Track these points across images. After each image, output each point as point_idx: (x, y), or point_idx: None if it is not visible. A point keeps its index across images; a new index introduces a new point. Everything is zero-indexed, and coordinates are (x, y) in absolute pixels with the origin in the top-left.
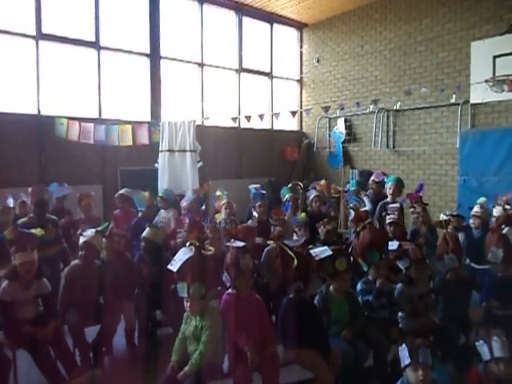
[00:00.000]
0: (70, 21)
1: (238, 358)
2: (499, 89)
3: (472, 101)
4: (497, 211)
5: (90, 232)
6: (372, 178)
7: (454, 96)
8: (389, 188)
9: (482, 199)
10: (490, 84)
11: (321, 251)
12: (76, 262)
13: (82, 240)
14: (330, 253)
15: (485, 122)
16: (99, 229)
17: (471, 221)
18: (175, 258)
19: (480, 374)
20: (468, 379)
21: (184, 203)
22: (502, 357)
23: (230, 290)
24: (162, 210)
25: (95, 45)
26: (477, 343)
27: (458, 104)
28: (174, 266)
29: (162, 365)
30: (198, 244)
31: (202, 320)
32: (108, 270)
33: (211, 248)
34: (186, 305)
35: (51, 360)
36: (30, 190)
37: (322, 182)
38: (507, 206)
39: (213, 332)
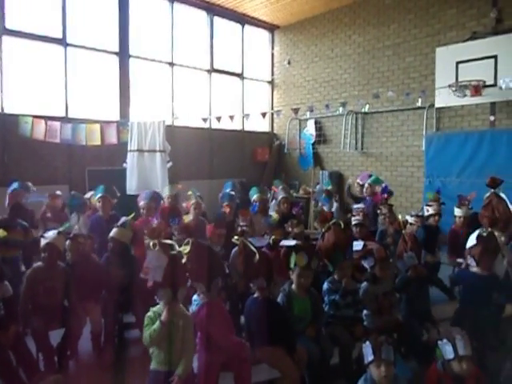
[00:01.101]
0: (36, 16)
1: (209, 367)
2: (462, 94)
3: (437, 105)
4: (461, 211)
5: (51, 233)
6: (357, 180)
7: (419, 100)
8: (364, 187)
9: (433, 195)
10: (453, 89)
11: (286, 241)
12: (38, 264)
13: (43, 242)
14: (293, 243)
15: (449, 125)
16: (61, 229)
17: (431, 219)
18: (148, 265)
19: (439, 371)
20: (427, 377)
21: (141, 202)
22: (465, 355)
23: (200, 300)
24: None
25: (62, 41)
26: (439, 342)
27: (424, 108)
28: (155, 275)
29: (129, 368)
30: (162, 242)
31: (179, 318)
32: (73, 272)
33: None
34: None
35: (12, 365)
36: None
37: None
38: (470, 207)
39: (190, 332)
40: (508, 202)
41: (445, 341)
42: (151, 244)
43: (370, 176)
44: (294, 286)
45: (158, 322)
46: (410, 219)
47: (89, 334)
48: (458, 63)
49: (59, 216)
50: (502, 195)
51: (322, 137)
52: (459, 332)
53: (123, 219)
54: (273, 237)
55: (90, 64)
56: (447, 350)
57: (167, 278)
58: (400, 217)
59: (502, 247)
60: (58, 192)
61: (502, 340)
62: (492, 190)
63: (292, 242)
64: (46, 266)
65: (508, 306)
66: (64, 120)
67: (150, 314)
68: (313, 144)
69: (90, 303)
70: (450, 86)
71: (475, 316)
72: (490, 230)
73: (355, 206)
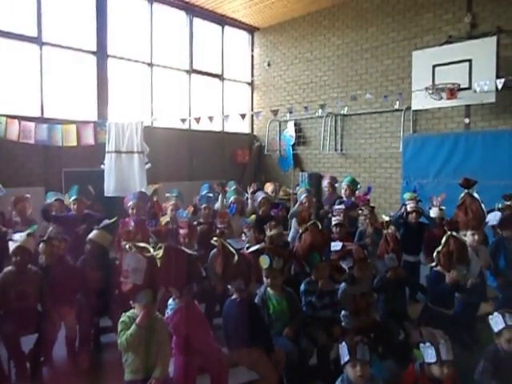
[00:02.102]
0: (10, 14)
1: (187, 371)
2: (438, 96)
3: (414, 107)
4: (433, 212)
5: (18, 236)
6: (324, 183)
7: (397, 102)
8: (343, 189)
9: (410, 194)
10: (430, 92)
11: (251, 247)
12: (9, 268)
13: (13, 245)
14: (257, 247)
15: (425, 127)
16: (30, 231)
17: (410, 216)
18: (127, 267)
19: (416, 372)
20: (404, 378)
21: (130, 202)
22: (447, 360)
23: (176, 305)
24: None
25: (37, 40)
26: (421, 344)
27: (401, 110)
28: (135, 278)
29: (105, 373)
30: (137, 245)
31: (155, 322)
32: (47, 276)
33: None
34: (146, 311)
35: None
36: None
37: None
38: (443, 207)
39: (166, 337)
40: (480, 202)
41: (428, 344)
42: (127, 246)
43: (333, 177)
44: (269, 288)
45: (133, 326)
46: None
47: (63, 339)
48: (434, 66)
49: (27, 221)
50: (476, 195)
51: (301, 138)
52: (442, 336)
53: (105, 222)
54: (247, 244)
55: (67, 63)
56: (429, 353)
57: (147, 279)
58: (384, 216)
59: (477, 246)
60: (27, 195)
61: (476, 339)
62: (466, 191)
63: (255, 247)
64: (17, 270)
65: (484, 304)
66: (39, 120)
67: (123, 319)
68: (292, 145)
69: (64, 307)
70: (426, 88)
71: (440, 314)
72: (452, 232)
73: (336, 206)
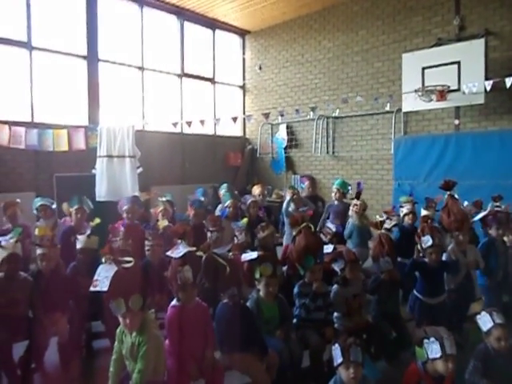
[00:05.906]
0: None
1: (179, 374)
2: (427, 98)
3: (404, 109)
4: (428, 213)
5: (4, 242)
6: (302, 184)
7: (388, 104)
8: (333, 192)
9: (406, 198)
10: (420, 94)
11: (248, 255)
12: None
13: (2, 252)
14: (255, 257)
15: (416, 129)
16: (15, 236)
17: (406, 218)
18: (97, 277)
19: (419, 371)
20: (406, 377)
21: (124, 206)
22: (452, 354)
23: (174, 302)
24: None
25: (27, 45)
26: (425, 340)
27: (392, 112)
28: (102, 285)
29: (98, 379)
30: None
31: (140, 335)
32: (38, 282)
33: (129, 259)
34: (125, 321)
35: None
36: None
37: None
38: (438, 209)
39: (151, 347)
40: (461, 203)
41: (432, 339)
42: (103, 259)
43: (312, 179)
44: (261, 293)
45: (116, 346)
46: (386, 221)
47: (56, 345)
48: (423, 69)
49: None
50: (456, 196)
51: (293, 141)
52: (446, 331)
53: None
54: (230, 254)
55: (58, 68)
56: (434, 348)
57: (116, 288)
58: (378, 217)
59: (464, 246)
60: (18, 200)
61: (465, 338)
62: (448, 193)
63: (254, 255)
64: (8, 277)
65: (474, 304)
66: (30, 125)
67: (117, 330)
68: (285, 148)
69: (56, 313)
70: (416, 90)
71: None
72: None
73: (328, 224)
